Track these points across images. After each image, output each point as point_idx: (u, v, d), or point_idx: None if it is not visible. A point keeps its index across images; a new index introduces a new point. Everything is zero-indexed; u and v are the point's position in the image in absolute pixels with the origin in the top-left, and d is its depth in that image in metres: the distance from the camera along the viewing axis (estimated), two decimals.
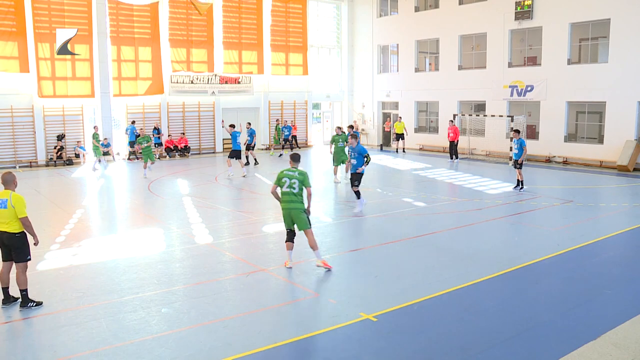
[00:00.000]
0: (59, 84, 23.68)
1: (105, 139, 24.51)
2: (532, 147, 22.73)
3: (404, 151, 27.71)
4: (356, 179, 13.41)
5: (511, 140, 19.30)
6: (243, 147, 22.93)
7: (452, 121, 24.54)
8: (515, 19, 24.10)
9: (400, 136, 27.67)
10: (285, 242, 9.13)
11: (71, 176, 20.65)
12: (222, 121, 23.96)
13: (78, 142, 24.02)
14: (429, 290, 8.05)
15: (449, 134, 24.20)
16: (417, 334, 6.70)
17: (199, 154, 27.51)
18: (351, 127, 19.10)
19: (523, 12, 23.72)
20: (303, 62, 30.93)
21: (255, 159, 22.49)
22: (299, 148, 29.23)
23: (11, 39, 22.41)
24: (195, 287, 8.37)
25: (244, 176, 19.50)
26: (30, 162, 23.34)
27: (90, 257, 9.89)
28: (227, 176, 19.39)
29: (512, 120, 23.10)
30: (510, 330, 6.75)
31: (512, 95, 24.71)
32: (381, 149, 30.03)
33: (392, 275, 8.92)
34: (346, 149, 17.08)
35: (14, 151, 23.07)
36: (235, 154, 19.40)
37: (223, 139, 27.87)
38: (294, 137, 28.77)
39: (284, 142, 27.35)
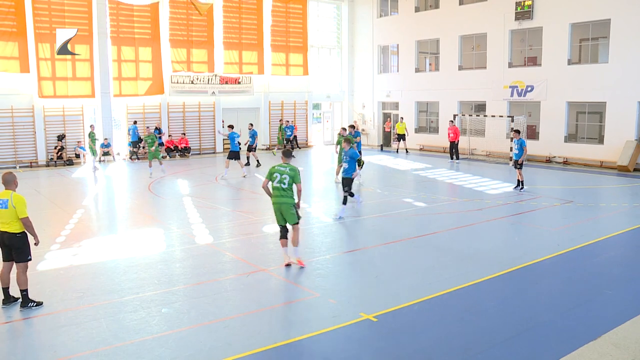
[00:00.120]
0: (59, 84, 23.69)
1: (106, 139, 24.59)
2: (533, 148, 22.73)
3: (406, 152, 27.67)
4: (347, 184, 12.98)
5: (511, 141, 19.30)
6: (245, 148, 22.96)
7: (452, 121, 24.53)
8: (516, 19, 24.11)
9: (401, 137, 27.66)
10: (280, 239, 9.25)
11: (71, 176, 20.66)
12: (222, 126, 23.91)
13: (78, 142, 24.03)
14: (429, 291, 8.05)
15: (449, 134, 24.19)
16: (417, 334, 6.70)
17: (199, 154, 27.51)
18: (352, 127, 18.99)
19: (523, 12, 23.73)
20: (303, 62, 30.93)
21: (257, 160, 22.42)
22: (299, 148, 29.23)
23: (11, 39, 22.42)
24: (196, 287, 8.38)
25: (244, 176, 19.50)
26: (31, 162, 23.35)
27: (90, 257, 9.89)
28: (222, 176, 19.33)
29: (512, 121, 23.10)
30: (511, 330, 6.75)
31: (512, 95, 24.71)
32: (381, 149, 30.03)
33: (392, 275, 8.92)
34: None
35: (14, 151, 23.08)
36: (233, 155, 19.36)
37: (223, 140, 27.88)
38: (295, 137, 28.78)
39: (286, 142, 27.29)
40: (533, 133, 24.26)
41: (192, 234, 11.53)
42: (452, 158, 24.25)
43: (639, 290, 8.26)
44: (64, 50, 23.18)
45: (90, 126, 22.45)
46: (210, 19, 27.26)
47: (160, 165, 20.13)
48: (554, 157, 23.35)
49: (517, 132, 16.82)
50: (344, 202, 12.93)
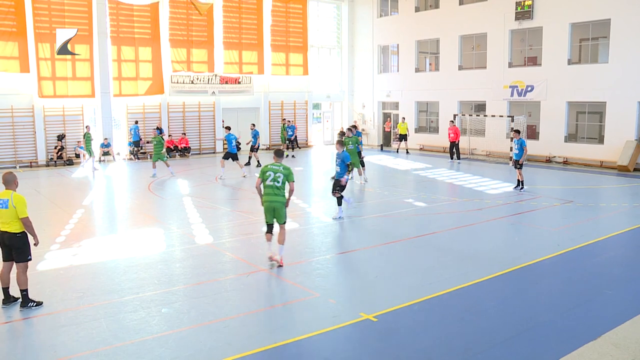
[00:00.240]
0: (59, 84, 23.69)
1: (106, 139, 24.58)
2: (533, 147, 22.73)
3: (407, 152, 27.64)
4: (337, 185, 12.88)
5: (511, 141, 19.30)
6: (245, 148, 22.92)
7: (452, 122, 24.52)
8: (516, 19, 24.10)
9: (403, 137, 27.66)
10: (266, 233, 9.39)
11: (71, 176, 20.65)
12: (222, 126, 23.85)
13: (78, 142, 23.98)
14: (429, 291, 8.05)
15: (449, 135, 24.15)
16: (417, 334, 6.70)
17: (199, 154, 27.51)
18: (354, 127, 18.86)
19: (523, 12, 23.73)
20: (303, 62, 30.93)
21: (258, 161, 22.40)
22: (299, 148, 29.23)
23: (11, 39, 22.42)
24: (196, 287, 8.38)
25: (244, 176, 19.49)
26: (31, 162, 23.35)
27: (90, 257, 9.89)
28: (219, 177, 19.27)
29: (512, 121, 23.10)
30: (511, 330, 6.75)
31: (512, 95, 24.71)
32: (381, 149, 30.03)
33: (392, 275, 8.92)
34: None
35: (14, 151, 23.07)
36: (230, 155, 19.29)
37: (223, 139, 27.87)
38: (295, 137, 28.72)
39: (287, 142, 27.17)
40: (533, 133, 24.26)
41: (192, 234, 11.53)
42: (452, 158, 24.25)
43: (639, 290, 8.26)
44: (64, 50, 23.19)
45: (86, 127, 22.44)
46: (210, 18, 27.26)
47: (167, 167, 20.02)
48: (554, 157, 23.35)
49: (517, 132, 16.82)
50: (339, 203, 12.90)
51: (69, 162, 23.74)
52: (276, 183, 9.04)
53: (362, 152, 17.87)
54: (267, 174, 9.09)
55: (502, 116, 24.49)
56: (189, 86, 27.11)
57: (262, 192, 9.18)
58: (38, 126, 23.41)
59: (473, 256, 9.86)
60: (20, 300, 7.51)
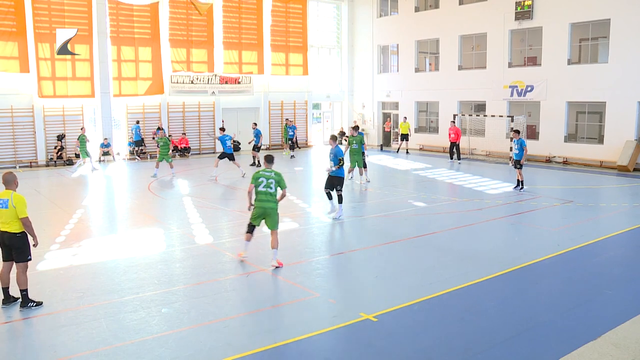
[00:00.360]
0: (59, 84, 23.68)
1: (105, 139, 24.58)
2: (532, 147, 22.73)
3: (407, 152, 27.62)
4: (338, 182, 12.83)
5: (511, 141, 19.30)
6: (246, 148, 22.85)
7: (453, 122, 24.49)
8: (516, 19, 24.11)
9: (404, 137, 27.66)
10: (246, 232, 9.45)
11: (71, 176, 20.64)
12: (221, 126, 23.73)
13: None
14: (429, 291, 8.06)
15: (449, 135, 24.09)
16: (417, 334, 6.70)
17: (199, 154, 27.51)
18: (357, 127, 18.78)
19: (523, 12, 23.73)
20: (303, 62, 30.92)
21: (258, 161, 22.37)
22: (299, 148, 29.22)
23: (11, 39, 22.41)
24: (196, 287, 8.37)
25: (243, 176, 19.46)
26: (31, 162, 23.34)
27: (90, 257, 9.89)
28: (210, 176, 19.20)
29: (512, 121, 23.10)
30: (511, 330, 6.75)
31: (512, 95, 24.71)
32: (381, 149, 30.04)
33: (392, 275, 8.92)
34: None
35: (14, 151, 23.07)
36: (225, 156, 19.21)
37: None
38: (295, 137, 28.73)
39: (290, 143, 27.07)
40: (533, 133, 24.26)
41: (192, 234, 11.53)
42: (451, 158, 24.24)
43: (639, 290, 8.27)
44: (64, 50, 23.18)
45: (81, 129, 22.42)
46: (210, 18, 27.26)
47: (170, 168, 19.99)
48: (554, 157, 23.36)
49: (517, 132, 16.83)
50: (339, 201, 12.89)
51: (69, 162, 23.72)
52: (269, 189, 9.16)
53: (365, 152, 17.83)
54: (260, 180, 9.20)
55: (502, 116, 24.49)
56: (188, 86, 27.11)
57: (255, 198, 9.27)
58: (38, 126, 23.41)
59: (473, 256, 9.86)
60: (20, 300, 7.51)
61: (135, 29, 25.52)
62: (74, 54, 23.68)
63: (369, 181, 17.92)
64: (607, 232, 11.64)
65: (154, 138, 24.80)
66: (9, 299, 7.61)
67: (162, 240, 11.07)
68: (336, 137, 13.43)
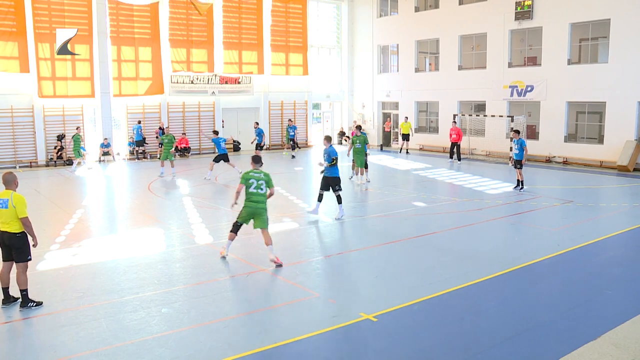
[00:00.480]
0: (59, 84, 23.68)
1: (105, 139, 24.58)
2: (532, 147, 22.72)
3: (407, 152, 27.61)
4: (334, 183, 12.79)
5: (511, 141, 19.31)
6: (252, 147, 22.84)
7: (454, 122, 24.48)
8: (515, 19, 24.11)
9: (406, 136, 27.65)
10: (230, 232, 9.58)
11: (71, 176, 20.64)
12: (222, 126, 23.68)
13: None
14: (429, 290, 8.05)
15: (451, 135, 24.04)
16: (417, 334, 6.70)
17: (199, 154, 27.51)
18: (360, 127, 18.75)
19: (523, 12, 23.73)
20: (303, 62, 30.92)
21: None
22: (299, 148, 29.22)
23: (11, 39, 22.41)
24: (195, 287, 8.37)
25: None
26: (30, 162, 23.34)
27: (90, 257, 9.88)
28: (205, 178, 19.12)
29: (512, 121, 23.10)
30: (511, 330, 6.75)
31: (512, 95, 24.71)
32: (381, 149, 30.03)
33: (392, 275, 8.92)
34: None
35: (14, 151, 23.07)
36: (221, 158, 19.13)
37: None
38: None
39: (291, 143, 27.03)
40: (533, 133, 24.26)
41: (192, 234, 11.53)
42: (451, 157, 24.23)
43: (639, 290, 8.27)
44: (63, 50, 23.18)
45: (77, 128, 22.40)
46: (210, 18, 27.25)
47: (172, 167, 19.96)
48: (554, 157, 23.36)
49: (517, 132, 16.83)
50: (339, 201, 12.88)
51: (69, 162, 23.69)
52: (259, 190, 9.36)
53: (368, 152, 17.83)
54: (250, 181, 9.37)
55: (501, 116, 24.49)
56: (188, 86, 27.10)
57: (245, 198, 9.44)
58: (38, 126, 23.40)
59: (473, 256, 9.86)
60: (20, 300, 7.50)
61: (135, 29, 25.52)
62: (74, 54, 23.68)
63: (369, 181, 17.91)
64: (607, 232, 11.64)
65: (157, 137, 24.80)
66: (9, 299, 7.60)
67: (162, 240, 11.07)
68: (330, 137, 13.42)
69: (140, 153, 25.58)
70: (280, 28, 29.98)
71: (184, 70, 26.80)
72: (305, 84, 31.30)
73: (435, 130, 28.78)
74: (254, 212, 9.37)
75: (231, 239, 9.61)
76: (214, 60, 27.63)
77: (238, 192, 9.57)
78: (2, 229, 7.40)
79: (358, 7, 32.47)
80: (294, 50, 30.51)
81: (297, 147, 28.79)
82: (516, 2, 23.94)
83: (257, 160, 9.69)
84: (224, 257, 9.62)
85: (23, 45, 22.69)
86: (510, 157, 20.44)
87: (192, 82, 27.18)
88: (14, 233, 7.39)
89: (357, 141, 17.15)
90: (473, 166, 22.85)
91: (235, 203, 9.62)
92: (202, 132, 24.52)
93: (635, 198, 15.75)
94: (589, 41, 22.84)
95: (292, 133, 27.02)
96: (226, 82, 28.19)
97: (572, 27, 22.57)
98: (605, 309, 7.46)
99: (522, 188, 16.44)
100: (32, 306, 7.46)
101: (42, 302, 7.58)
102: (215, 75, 27.80)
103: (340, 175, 13.14)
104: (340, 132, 33.13)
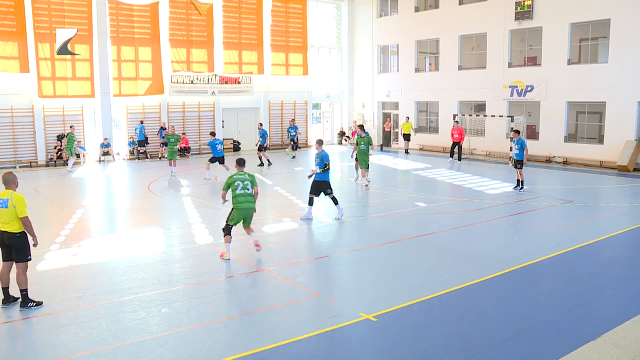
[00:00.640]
0: (59, 84, 23.69)
1: (105, 139, 24.59)
2: (532, 147, 22.69)
3: (407, 152, 27.60)
4: (326, 187, 12.74)
5: (511, 141, 19.31)
6: (255, 148, 22.80)
7: (456, 122, 24.47)
8: (515, 19, 24.10)
9: (407, 136, 27.60)
10: (225, 235, 9.66)
11: (71, 176, 20.65)
12: (222, 126, 23.58)
13: (78, 142, 23.96)
14: (429, 290, 8.05)
15: (452, 135, 24.01)
16: (417, 334, 6.70)
17: (199, 154, 27.50)
18: (362, 127, 18.69)
19: (523, 12, 23.73)
20: (303, 62, 30.92)
21: (268, 160, 22.39)
22: (299, 148, 29.20)
23: (11, 39, 22.41)
24: (195, 287, 8.37)
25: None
26: (30, 162, 23.34)
27: (90, 257, 9.88)
28: (204, 178, 19.10)
29: (512, 121, 23.10)
30: (511, 330, 6.75)
31: (512, 95, 24.71)
32: (381, 149, 30.02)
33: (392, 275, 8.92)
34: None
35: (14, 151, 23.07)
36: (216, 160, 19.03)
37: (223, 139, 27.82)
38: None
39: (292, 143, 27.01)
40: (533, 133, 24.26)
41: (192, 234, 11.53)
42: (451, 157, 24.22)
43: (639, 290, 8.27)
44: (64, 50, 23.19)
45: (70, 127, 22.37)
46: (210, 18, 27.25)
47: (174, 166, 19.91)
48: (554, 157, 23.36)
49: (517, 132, 16.83)
50: (335, 202, 12.85)
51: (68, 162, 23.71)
52: (247, 190, 9.68)
53: (371, 152, 17.80)
54: (236, 183, 9.67)
55: (501, 116, 24.49)
56: (188, 86, 27.11)
57: (235, 201, 9.67)
58: (38, 126, 23.41)
59: (473, 256, 9.86)
60: (20, 300, 7.50)
61: (135, 29, 25.53)
62: (74, 54, 23.69)
63: (369, 181, 17.90)
64: (607, 232, 11.64)
65: (163, 137, 24.79)
66: (9, 299, 7.61)
67: (162, 240, 11.07)
68: (322, 141, 13.32)
69: (142, 153, 25.58)
70: (280, 28, 29.98)
71: (184, 70, 26.80)
72: (305, 84, 31.29)
73: (435, 130, 28.78)
74: (245, 213, 9.65)
75: (228, 241, 9.65)
76: (214, 60, 27.63)
77: (223, 197, 9.92)
78: (2, 229, 7.40)
79: (358, 7, 32.46)
80: (294, 50, 30.51)
81: (298, 147, 28.80)
82: (516, 2, 23.93)
83: (241, 163, 9.99)
84: (228, 260, 9.58)
85: (23, 45, 22.69)
86: (511, 157, 20.44)
87: (192, 82, 27.19)
88: (14, 233, 7.39)
89: (362, 142, 17.10)
90: (473, 166, 22.85)
91: (226, 200, 9.97)
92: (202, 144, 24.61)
93: (635, 198, 15.75)
94: (589, 41, 22.84)
95: (294, 133, 27.04)
96: (226, 82, 28.19)
97: (572, 27, 22.57)
98: (605, 309, 7.45)
99: (522, 188, 16.43)
100: (32, 306, 7.46)
101: (42, 302, 7.58)
102: (215, 75, 27.80)
103: (330, 180, 12.99)
104: (340, 132, 33.13)
